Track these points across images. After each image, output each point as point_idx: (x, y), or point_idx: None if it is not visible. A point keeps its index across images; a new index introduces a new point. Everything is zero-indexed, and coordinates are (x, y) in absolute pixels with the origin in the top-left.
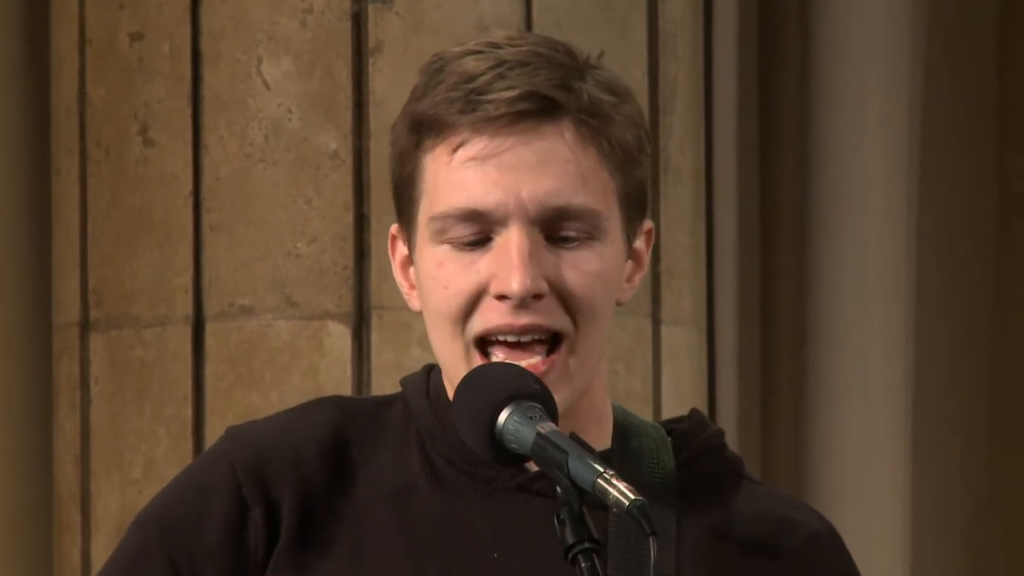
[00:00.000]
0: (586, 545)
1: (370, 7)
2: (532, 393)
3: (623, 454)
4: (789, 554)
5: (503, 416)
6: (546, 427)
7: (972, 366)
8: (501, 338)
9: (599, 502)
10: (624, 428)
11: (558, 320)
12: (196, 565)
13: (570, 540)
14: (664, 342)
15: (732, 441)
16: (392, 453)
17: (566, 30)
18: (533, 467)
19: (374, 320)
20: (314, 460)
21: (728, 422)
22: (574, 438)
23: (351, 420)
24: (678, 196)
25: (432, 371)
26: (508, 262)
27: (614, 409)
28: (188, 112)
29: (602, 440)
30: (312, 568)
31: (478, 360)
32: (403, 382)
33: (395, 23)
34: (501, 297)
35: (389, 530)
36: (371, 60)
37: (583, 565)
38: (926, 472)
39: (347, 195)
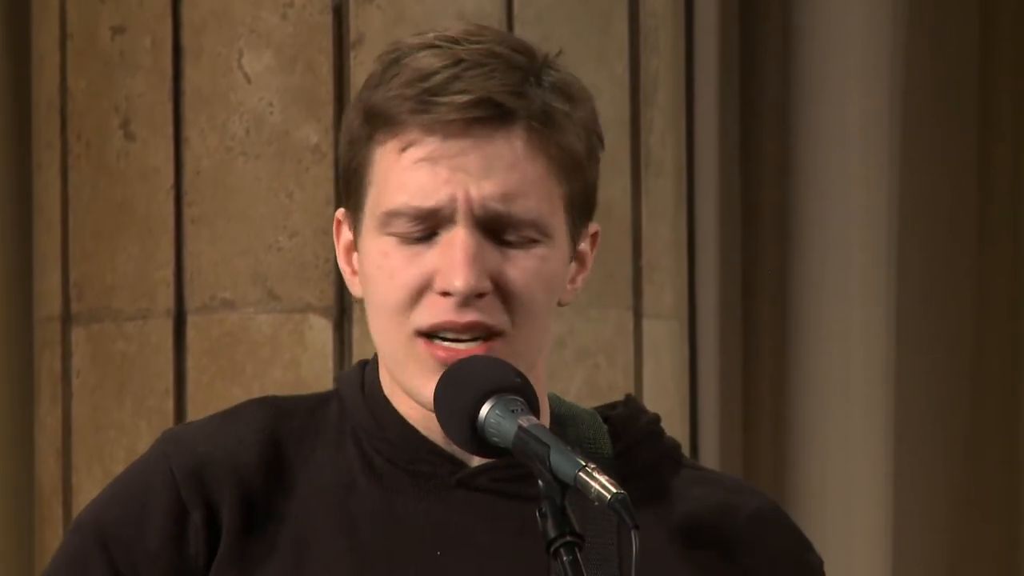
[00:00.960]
0: (568, 539)
1: (351, 1)
2: (514, 387)
3: (560, 439)
4: (732, 536)
5: (485, 409)
6: (528, 421)
7: (953, 360)
8: (442, 334)
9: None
10: (560, 418)
11: (498, 319)
12: (138, 569)
13: (552, 534)
14: (646, 336)
15: (713, 435)
16: (330, 451)
17: (547, 23)
18: (474, 462)
19: (355, 314)
20: (253, 462)
21: (709, 416)
22: (554, 432)
23: (287, 420)
24: (659, 190)
25: (366, 367)
26: (453, 259)
27: (550, 399)
28: (169, 106)
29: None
30: (255, 570)
31: (421, 347)
32: (338, 379)
33: (376, 17)
34: (445, 294)
35: (331, 529)
36: (352, 54)
37: (565, 559)
38: (907, 466)
39: (328, 189)
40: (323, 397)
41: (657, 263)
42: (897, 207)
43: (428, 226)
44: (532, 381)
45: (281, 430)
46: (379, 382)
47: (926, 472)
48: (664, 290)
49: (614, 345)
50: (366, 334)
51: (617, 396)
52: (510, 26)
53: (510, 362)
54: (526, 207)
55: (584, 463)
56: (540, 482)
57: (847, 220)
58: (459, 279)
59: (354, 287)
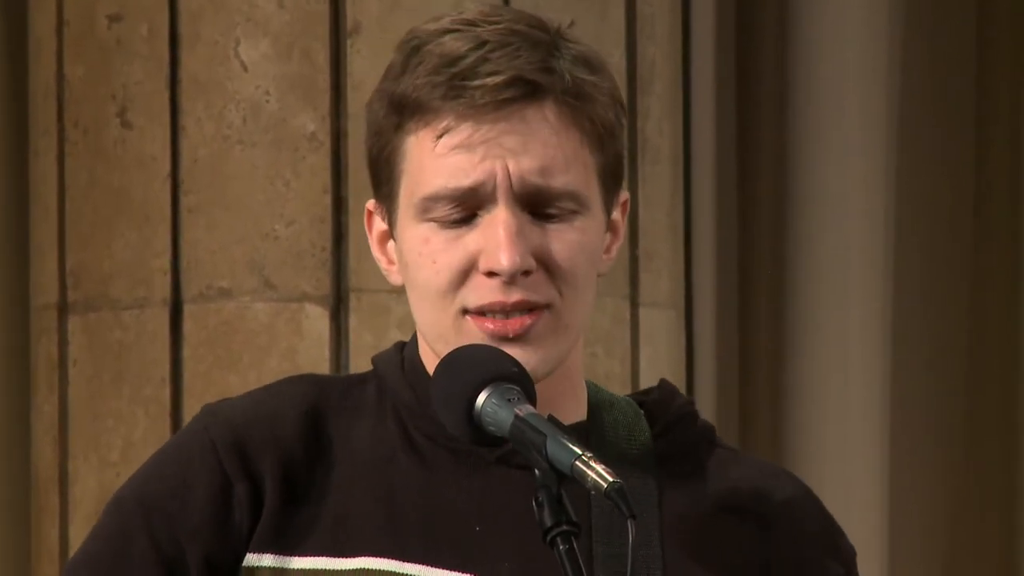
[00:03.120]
0: (564, 528)
1: None
2: (511, 375)
3: (599, 427)
4: (768, 518)
5: (481, 398)
6: (524, 409)
7: (949, 356)
8: (491, 313)
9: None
10: (598, 402)
11: (545, 293)
12: (180, 542)
13: (548, 523)
14: (642, 324)
15: (710, 422)
16: (370, 427)
17: (544, 11)
18: None
19: (352, 302)
20: (293, 435)
21: (706, 404)
22: (552, 420)
23: (326, 396)
24: (656, 177)
25: (405, 348)
26: (496, 239)
27: (588, 386)
28: (166, 94)
29: (578, 413)
30: (295, 543)
31: (470, 324)
32: (375, 360)
33: (373, 4)
34: (490, 274)
35: (370, 503)
36: (349, 42)
37: (561, 548)
38: (905, 453)
39: (325, 177)
40: (360, 377)
41: (654, 251)
42: (895, 198)
43: (468, 207)
44: (573, 360)
45: (320, 405)
46: (420, 361)
47: (923, 457)
48: (661, 278)
49: (611, 334)
50: (362, 323)
51: (614, 385)
52: (529, 15)
53: (560, 328)
54: (564, 180)
55: (580, 452)
56: (536, 471)
57: (844, 209)
58: (505, 258)
59: (392, 276)
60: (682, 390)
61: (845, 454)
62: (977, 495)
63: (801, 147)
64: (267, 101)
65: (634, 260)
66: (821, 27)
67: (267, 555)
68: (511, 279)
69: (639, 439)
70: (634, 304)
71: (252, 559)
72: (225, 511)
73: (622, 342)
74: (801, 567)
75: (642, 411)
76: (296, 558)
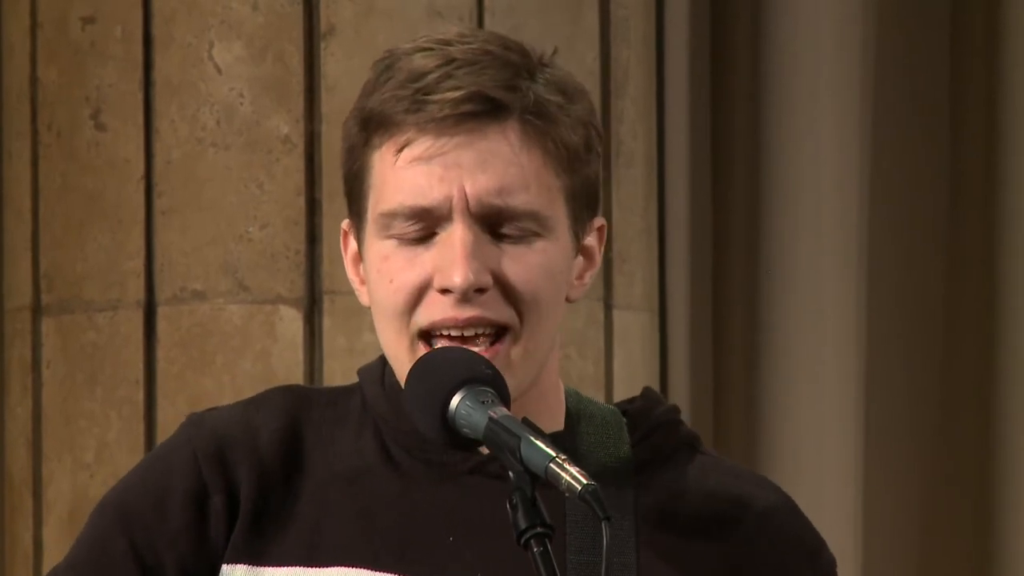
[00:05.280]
0: (539, 530)
1: None
2: (484, 378)
3: (574, 438)
4: (745, 528)
5: (455, 401)
6: (498, 412)
7: (924, 353)
8: (445, 331)
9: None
10: (576, 414)
11: (502, 313)
12: (158, 550)
13: (522, 525)
14: (616, 326)
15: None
16: (350, 439)
17: (518, 14)
18: (486, 449)
19: (326, 305)
20: (272, 446)
21: (680, 406)
22: (527, 423)
23: (309, 408)
24: (630, 180)
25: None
26: (451, 256)
27: (568, 395)
28: (140, 96)
29: (552, 426)
30: (268, 553)
31: (423, 352)
32: (360, 372)
33: (347, 7)
34: (444, 291)
35: (345, 513)
36: (323, 44)
37: (536, 550)
38: (877, 456)
39: (299, 179)
40: (347, 389)
41: (628, 254)
42: (868, 198)
43: (426, 226)
44: (545, 377)
45: (302, 417)
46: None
47: (896, 462)
48: (635, 281)
49: (584, 336)
50: (336, 325)
51: (588, 387)
52: (480, 16)
53: (518, 357)
54: (523, 200)
55: (555, 454)
56: (511, 473)
57: (818, 211)
58: (458, 275)
59: (363, 297)
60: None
61: (819, 455)
62: (951, 500)
63: (775, 150)
64: (241, 103)
65: (608, 263)
66: (795, 30)
67: (240, 565)
68: (463, 296)
69: (618, 451)
70: (608, 306)
71: (226, 570)
72: (202, 522)
73: (596, 344)
74: (781, 574)
75: (624, 420)
76: (269, 568)
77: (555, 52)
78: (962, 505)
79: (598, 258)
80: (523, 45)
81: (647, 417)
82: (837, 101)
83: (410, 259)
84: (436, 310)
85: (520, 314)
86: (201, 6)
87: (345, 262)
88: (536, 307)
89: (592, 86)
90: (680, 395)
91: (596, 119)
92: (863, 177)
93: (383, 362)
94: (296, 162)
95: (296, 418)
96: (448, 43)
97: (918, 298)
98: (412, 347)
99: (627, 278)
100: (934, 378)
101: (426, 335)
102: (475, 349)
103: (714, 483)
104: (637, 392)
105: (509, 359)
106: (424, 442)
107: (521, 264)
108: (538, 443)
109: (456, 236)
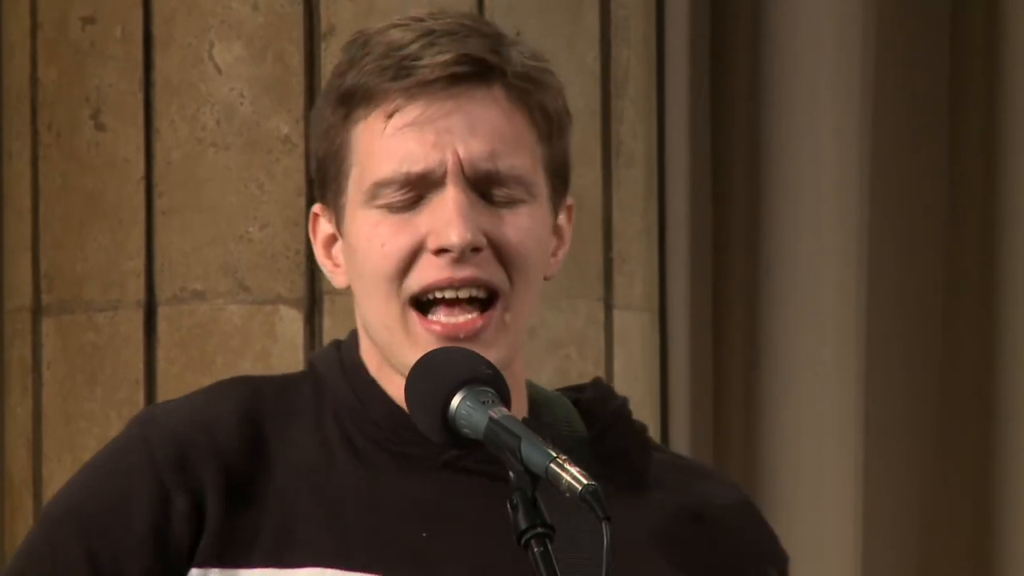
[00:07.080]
0: (539, 530)
1: None
2: (484, 378)
3: (540, 424)
4: (710, 524)
5: (456, 401)
6: (498, 412)
7: (924, 353)
8: (439, 295)
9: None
10: (536, 399)
11: (495, 274)
12: (118, 558)
13: (523, 525)
14: (616, 326)
15: (684, 426)
16: (307, 431)
17: (518, 13)
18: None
19: (326, 305)
20: (233, 444)
21: (680, 407)
22: (527, 423)
23: (262, 399)
24: (630, 180)
25: (342, 346)
26: (446, 216)
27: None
28: (140, 96)
29: (520, 411)
30: (240, 555)
31: (415, 319)
32: (312, 359)
33: (347, 7)
34: (440, 252)
35: (313, 510)
36: (323, 44)
37: (536, 550)
38: (876, 458)
39: (299, 180)
40: (294, 378)
41: (628, 254)
42: (868, 198)
43: (417, 193)
44: (517, 364)
45: (258, 409)
46: (362, 361)
47: (896, 462)
48: (635, 281)
49: (584, 336)
50: (337, 325)
51: None
52: (481, 16)
53: (510, 323)
54: (512, 163)
55: (555, 455)
56: (511, 473)
57: (818, 210)
58: (455, 233)
59: (336, 278)
60: (656, 392)
61: (819, 455)
62: (951, 500)
63: (775, 150)
64: (241, 103)
65: (608, 263)
66: (795, 30)
67: (213, 570)
68: (461, 255)
69: (576, 438)
70: (608, 306)
71: (196, 574)
72: (165, 526)
73: (595, 344)
74: (741, 571)
75: (575, 408)
76: (243, 570)
77: (518, 34)
78: (962, 505)
79: (568, 238)
80: (493, 25)
81: (602, 409)
82: (837, 101)
83: (400, 224)
84: (430, 272)
85: (511, 277)
86: (201, 6)
87: (315, 248)
88: (525, 272)
89: (592, 86)
90: (680, 395)
91: (566, 101)
92: (863, 177)
93: (337, 348)
94: (296, 162)
95: (252, 411)
96: (422, 19)
97: (918, 298)
98: (403, 314)
99: (627, 278)
100: (934, 378)
101: (417, 301)
102: (469, 315)
103: (673, 479)
104: (637, 392)
105: (503, 323)
106: (393, 433)
107: (512, 227)
108: (538, 443)
109: (450, 197)
